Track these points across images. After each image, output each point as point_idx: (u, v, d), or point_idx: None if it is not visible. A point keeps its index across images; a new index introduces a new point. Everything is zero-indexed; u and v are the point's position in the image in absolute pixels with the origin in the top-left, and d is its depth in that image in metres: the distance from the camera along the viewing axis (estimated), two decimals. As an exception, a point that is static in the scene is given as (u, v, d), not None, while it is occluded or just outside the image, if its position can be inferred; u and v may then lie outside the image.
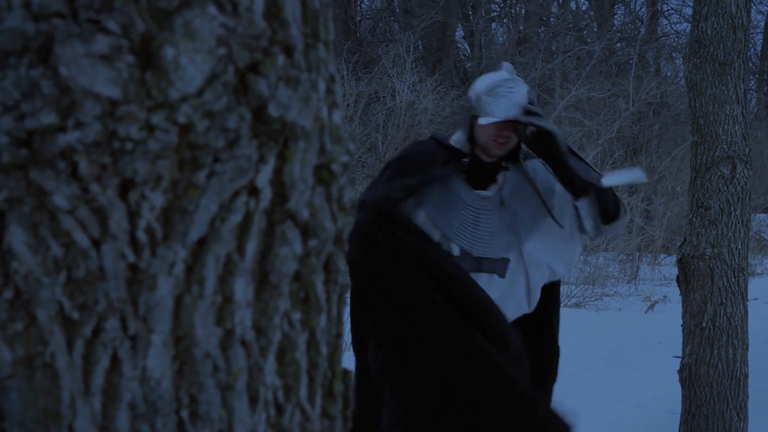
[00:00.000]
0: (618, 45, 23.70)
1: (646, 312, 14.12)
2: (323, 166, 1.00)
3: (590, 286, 15.23)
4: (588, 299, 14.62)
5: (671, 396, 6.57)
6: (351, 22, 22.10)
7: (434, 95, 16.24)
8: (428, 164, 3.87)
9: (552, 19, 24.04)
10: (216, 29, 0.93)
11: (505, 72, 3.90)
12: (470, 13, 23.50)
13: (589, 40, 22.53)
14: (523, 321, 4.02)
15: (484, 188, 3.89)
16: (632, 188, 18.71)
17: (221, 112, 0.94)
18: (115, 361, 0.94)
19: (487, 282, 3.78)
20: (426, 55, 21.32)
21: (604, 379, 9.51)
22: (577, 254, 4.10)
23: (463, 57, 24.18)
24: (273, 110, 0.96)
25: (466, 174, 3.88)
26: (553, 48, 21.60)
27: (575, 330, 12.07)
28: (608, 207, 3.81)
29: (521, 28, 22.84)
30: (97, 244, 0.92)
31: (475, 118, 3.86)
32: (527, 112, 3.73)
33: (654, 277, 17.36)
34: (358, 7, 23.29)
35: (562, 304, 15.09)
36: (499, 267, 3.83)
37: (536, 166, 3.93)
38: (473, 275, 3.73)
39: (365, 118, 15.93)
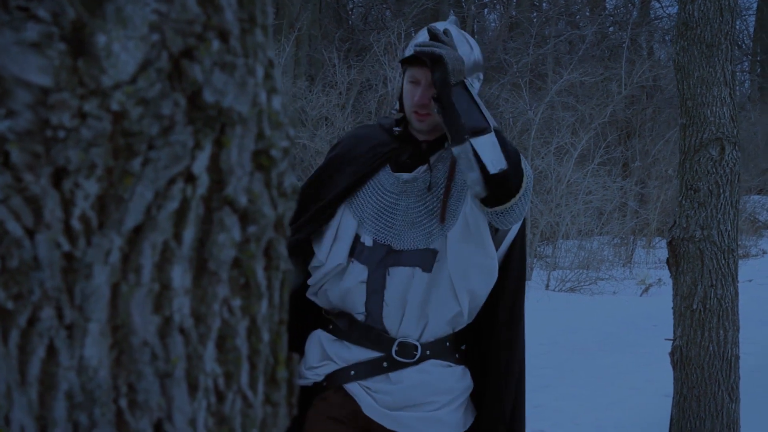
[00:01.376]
0: (610, 29, 23.69)
1: (640, 295, 14.17)
2: (262, 151, 1.00)
3: (585, 271, 15.27)
4: (582, 283, 14.65)
5: (666, 379, 6.59)
6: (342, 10, 22.08)
7: (426, 82, 16.19)
8: (361, 159, 3.44)
9: (544, 4, 24.03)
10: (148, 15, 0.93)
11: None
12: (462, -1, 23.48)
13: (581, 24, 22.53)
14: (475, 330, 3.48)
15: (410, 170, 3.41)
16: (626, 172, 18.74)
17: (155, 99, 0.93)
18: (52, 351, 0.93)
19: (408, 277, 3.31)
20: (418, 42, 21.26)
21: (598, 362, 9.54)
22: (491, 266, 3.39)
23: (455, 43, 24.11)
24: (208, 96, 0.95)
25: (395, 155, 3.43)
26: (546, 33, 21.58)
27: (570, 314, 12.10)
28: (498, 164, 3.08)
29: (513, 13, 22.83)
30: (30, 233, 0.92)
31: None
32: (433, 39, 3.16)
33: (649, 260, 17.41)
34: (350, -5, 23.27)
35: (555, 289, 14.92)
36: (421, 259, 3.33)
37: None
38: (392, 270, 3.31)
39: (357, 105, 15.94)
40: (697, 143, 5.76)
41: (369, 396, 3.36)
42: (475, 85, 3.37)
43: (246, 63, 0.98)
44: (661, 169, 18.41)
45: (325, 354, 3.43)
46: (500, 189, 3.12)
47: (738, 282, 5.84)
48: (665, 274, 14.19)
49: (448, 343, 3.39)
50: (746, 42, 29.14)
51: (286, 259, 1.03)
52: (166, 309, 0.95)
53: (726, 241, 5.72)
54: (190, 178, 0.95)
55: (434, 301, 3.32)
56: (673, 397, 5.85)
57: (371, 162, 3.44)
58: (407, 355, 3.34)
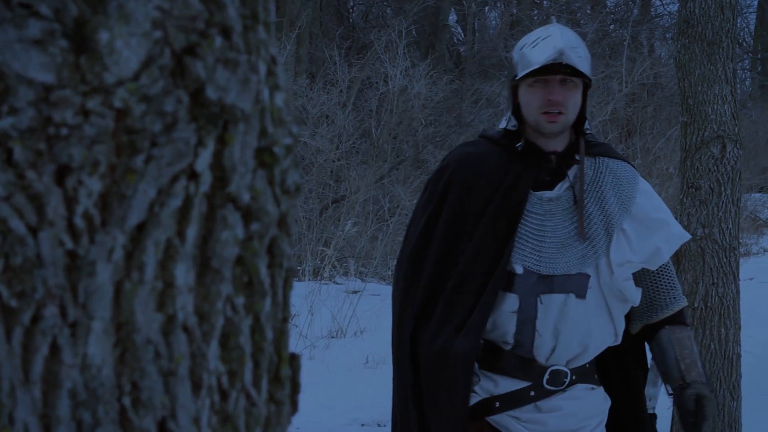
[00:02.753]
0: (611, 26, 23.69)
1: (642, 293, 14.12)
2: (265, 149, 0.99)
3: (586, 269, 15.21)
4: (584, 281, 14.60)
5: (667, 377, 6.57)
6: (343, 8, 22.08)
7: (427, 80, 16.23)
8: (494, 189, 3.19)
9: (545, 2, 24.03)
10: (151, 12, 0.93)
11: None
12: (463, -3, 23.48)
13: (582, 22, 22.52)
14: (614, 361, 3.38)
15: (550, 187, 3.21)
16: (627, 170, 18.71)
17: (158, 96, 0.93)
18: (55, 349, 0.93)
19: (561, 305, 3.12)
20: (419, 40, 21.31)
21: (599, 360, 9.53)
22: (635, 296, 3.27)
23: (456, 41, 24.17)
24: (211, 93, 0.95)
25: (530, 173, 3.21)
26: (547, 31, 21.53)
27: (571, 312, 12.08)
28: None
29: (514, 11, 22.82)
30: (34, 231, 0.91)
31: (516, 88, 3.22)
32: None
33: (650, 258, 17.33)
34: (351, -7, 23.28)
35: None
36: (575, 285, 3.13)
37: (617, 168, 3.30)
38: (544, 297, 3.12)
39: (358, 104, 15.94)
40: (699, 141, 5.76)
41: (521, 426, 3.18)
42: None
43: (249, 60, 0.98)
44: (662, 167, 18.38)
45: None
46: None
47: (739, 280, 5.84)
48: (666, 272, 14.17)
49: (588, 365, 3.25)
50: (747, 40, 29.13)
51: (289, 257, 1.03)
52: (170, 307, 0.95)
53: (727, 240, 5.72)
54: (193, 175, 0.95)
55: (594, 329, 3.17)
56: (675, 395, 5.84)
57: (510, 190, 3.21)
58: (557, 383, 3.18)
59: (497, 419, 3.19)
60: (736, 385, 5.77)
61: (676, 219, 5.75)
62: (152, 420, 0.95)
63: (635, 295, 3.23)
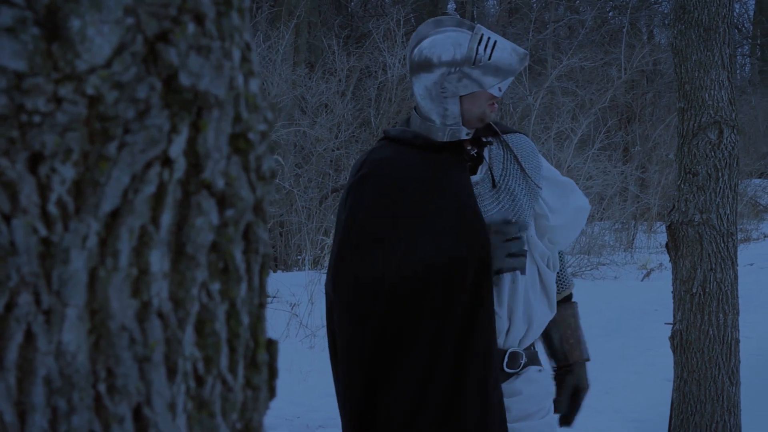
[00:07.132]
0: (610, 13, 23.65)
1: (642, 280, 14.14)
2: (239, 135, 1.00)
3: (586, 256, 15.23)
4: (584, 269, 14.63)
5: (667, 363, 6.58)
6: (342, -3, 22.03)
7: (426, 68, 16.15)
8: (442, 195, 3.10)
9: (544, -11, 23.97)
10: (123, -1, 0.93)
11: (462, 30, 3.14)
12: (461, -15, 23.44)
13: (580, 9, 22.48)
14: None
15: (473, 172, 3.16)
16: (627, 157, 18.71)
17: (131, 83, 0.93)
18: (30, 336, 0.93)
19: (511, 284, 3.10)
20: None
21: (600, 347, 9.52)
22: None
23: (455, 29, 24.06)
24: (184, 79, 0.95)
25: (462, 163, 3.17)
26: (545, 18, 21.53)
27: (571, 300, 12.08)
28: None
29: (513, -2, 22.78)
30: (7, 218, 0.92)
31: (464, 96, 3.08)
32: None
33: (650, 245, 17.38)
34: (349, -18, 23.24)
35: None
36: (519, 262, 3.07)
37: (520, 141, 3.25)
38: (495, 278, 3.05)
39: (357, 93, 15.91)
40: (696, 127, 5.74)
41: None
42: (421, 79, 3.15)
43: (222, 46, 0.98)
44: (662, 153, 18.37)
45: None
46: None
47: (738, 266, 5.83)
48: (666, 258, 14.18)
49: (533, 347, 3.23)
50: (746, 26, 29.07)
51: (265, 243, 1.03)
52: (144, 293, 0.95)
53: (725, 225, 5.70)
54: (166, 161, 0.95)
55: (534, 302, 3.14)
56: (674, 381, 5.85)
57: (457, 190, 3.13)
58: (514, 365, 3.14)
59: None
60: (735, 370, 5.77)
61: (675, 205, 5.77)
62: (127, 406, 0.95)
63: (557, 262, 3.29)
